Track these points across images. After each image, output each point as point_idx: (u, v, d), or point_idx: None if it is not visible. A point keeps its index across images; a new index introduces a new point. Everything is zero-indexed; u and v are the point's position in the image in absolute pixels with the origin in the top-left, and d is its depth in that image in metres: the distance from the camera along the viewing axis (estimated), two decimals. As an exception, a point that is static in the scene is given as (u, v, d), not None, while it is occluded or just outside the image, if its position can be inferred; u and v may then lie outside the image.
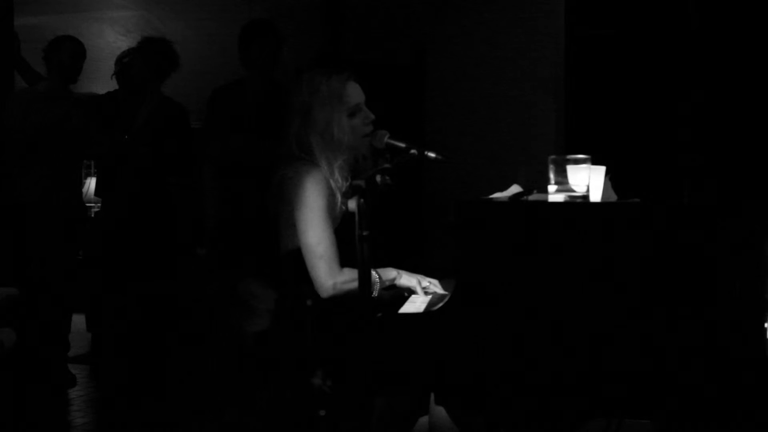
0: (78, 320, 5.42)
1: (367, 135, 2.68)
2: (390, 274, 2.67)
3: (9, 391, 4.29)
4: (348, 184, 2.66)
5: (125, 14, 7.19)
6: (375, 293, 2.56)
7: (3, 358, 3.63)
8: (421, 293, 2.65)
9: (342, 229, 2.65)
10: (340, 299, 2.58)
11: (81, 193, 5.17)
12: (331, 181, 2.63)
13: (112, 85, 5.18)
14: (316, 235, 2.57)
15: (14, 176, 4.75)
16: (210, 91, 4.60)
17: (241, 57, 4.51)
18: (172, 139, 4.79)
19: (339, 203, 2.65)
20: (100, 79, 6.60)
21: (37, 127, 4.72)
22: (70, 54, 4.81)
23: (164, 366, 4.80)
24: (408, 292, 2.69)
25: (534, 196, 2.48)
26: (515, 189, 2.59)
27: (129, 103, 4.86)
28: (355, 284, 2.50)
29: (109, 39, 6.94)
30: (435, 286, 2.70)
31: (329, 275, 2.57)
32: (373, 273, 2.53)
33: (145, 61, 4.82)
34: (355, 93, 2.70)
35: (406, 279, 2.68)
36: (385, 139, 2.66)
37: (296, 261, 2.61)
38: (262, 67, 4.49)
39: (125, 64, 4.93)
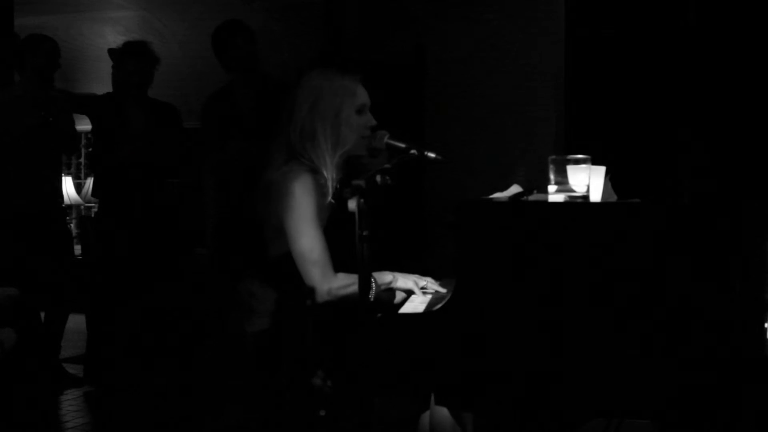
0: (78, 320, 5.42)
1: (365, 138, 2.68)
2: (386, 277, 2.67)
3: (9, 391, 4.29)
4: (342, 185, 2.66)
5: (125, 14, 7.19)
6: (371, 297, 2.56)
7: (3, 358, 3.63)
8: (419, 293, 2.65)
9: (341, 229, 2.65)
10: (337, 303, 2.58)
11: (60, 194, 5.11)
12: (326, 174, 2.62)
13: (111, 86, 5.17)
14: (308, 243, 2.57)
15: None
16: (210, 91, 4.61)
17: (221, 63, 4.52)
18: (167, 139, 4.79)
19: (328, 203, 2.64)
20: (100, 80, 6.62)
21: (22, 130, 4.65)
22: (47, 54, 4.70)
23: (164, 366, 4.80)
24: (407, 293, 2.69)
25: (534, 196, 2.48)
26: (515, 189, 2.59)
27: (121, 107, 4.84)
28: (350, 289, 2.52)
29: (109, 39, 6.95)
30: (432, 284, 2.70)
31: (324, 281, 2.56)
32: None
33: (127, 67, 4.78)
34: (363, 94, 2.72)
35: (403, 281, 2.67)
36: (385, 139, 2.66)
37: (289, 265, 2.60)
38: (245, 66, 4.49)
39: (114, 68, 4.92)
